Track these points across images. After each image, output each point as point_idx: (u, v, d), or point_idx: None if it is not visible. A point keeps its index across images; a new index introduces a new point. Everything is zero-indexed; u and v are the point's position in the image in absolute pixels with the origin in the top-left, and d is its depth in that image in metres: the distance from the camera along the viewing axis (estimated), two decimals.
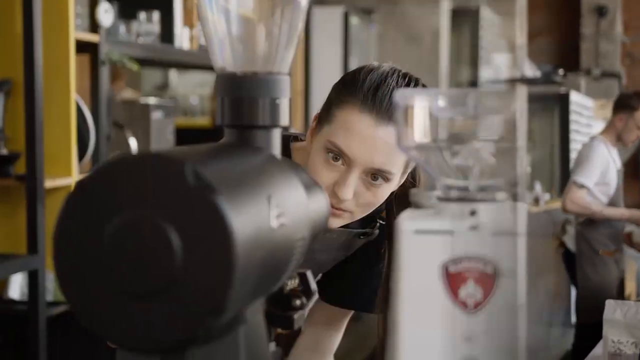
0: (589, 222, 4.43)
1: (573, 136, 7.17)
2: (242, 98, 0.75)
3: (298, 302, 0.84)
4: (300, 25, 0.79)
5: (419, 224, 0.67)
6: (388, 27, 5.71)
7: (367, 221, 1.45)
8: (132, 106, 3.28)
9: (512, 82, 5.79)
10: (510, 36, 5.91)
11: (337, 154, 1.25)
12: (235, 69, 0.76)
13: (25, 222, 2.47)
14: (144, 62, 3.43)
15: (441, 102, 0.69)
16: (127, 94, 4.29)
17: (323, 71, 5.14)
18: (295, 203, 0.73)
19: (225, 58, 0.77)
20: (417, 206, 0.75)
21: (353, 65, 4.91)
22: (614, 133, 4.43)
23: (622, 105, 4.42)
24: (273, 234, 0.66)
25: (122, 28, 3.02)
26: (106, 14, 2.75)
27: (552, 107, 7.08)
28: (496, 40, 8.19)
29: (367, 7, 5.80)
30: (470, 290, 0.66)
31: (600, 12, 8.70)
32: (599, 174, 4.34)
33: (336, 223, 1.30)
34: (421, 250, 0.67)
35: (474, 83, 7.51)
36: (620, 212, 4.51)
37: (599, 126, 8.51)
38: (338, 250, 1.46)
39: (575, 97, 7.22)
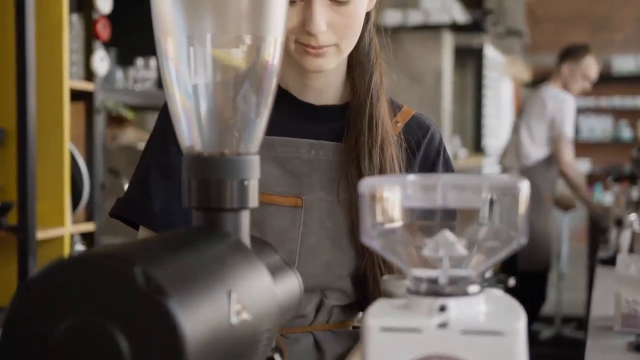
0: (536, 168, 4.47)
1: (484, 91, 7.23)
2: (209, 180, 0.73)
3: None
4: (270, 100, 0.77)
5: (386, 321, 0.64)
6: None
7: None
8: (130, 152, 3.27)
9: (441, 27, 5.74)
10: None
11: None
12: (203, 149, 0.74)
13: (17, 275, 2.44)
14: (141, 108, 3.43)
15: (409, 191, 0.67)
16: (131, 134, 4.28)
17: None
18: (260, 294, 0.70)
19: (192, 137, 0.74)
20: (388, 295, 0.72)
21: None
22: (561, 82, 4.54)
23: (569, 54, 4.55)
24: (233, 331, 0.63)
25: (119, 74, 3.02)
26: (102, 62, 2.74)
27: (465, 60, 7.12)
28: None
29: None
30: None
31: None
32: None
33: (326, 63, 1.21)
34: (388, 349, 0.64)
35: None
36: (592, 200, 4.67)
37: (507, 82, 8.61)
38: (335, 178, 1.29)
39: (489, 52, 7.26)
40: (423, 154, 1.33)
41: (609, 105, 9.90)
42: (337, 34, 1.18)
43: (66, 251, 2.64)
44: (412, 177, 0.67)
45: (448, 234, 0.67)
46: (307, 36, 1.17)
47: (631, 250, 2.61)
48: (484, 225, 0.67)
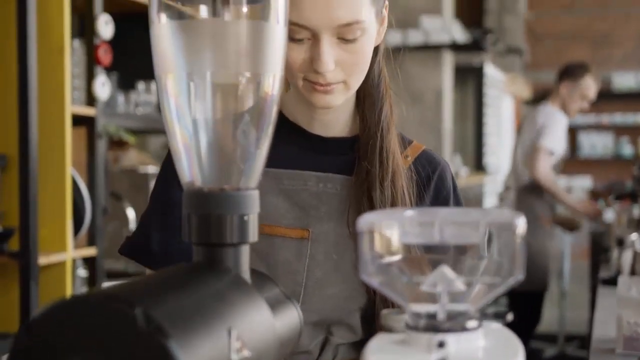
0: (531, 188, 4.44)
1: (485, 109, 7.24)
2: (209, 215, 0.73)
3: None
4: (270, 134, 0.77)
5: (384, 357, 0.65)
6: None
7: None
8: (132, 175, 3.28)
9: (441, 47, 5.74)
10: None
11: (296, 33, 1.14)
12: (203, 184, 0.75)
13: (19, 301, 2.45)
14: (142, 132, 3.44)
15: (407, 227, 0.67)
16: (133, 156, 4.30)
17: None
18: (260, 329, 0.70)
19: (192, 173, 0.75)
20: (388, 329, 0.73)
21: None
22: (559, 102, 4.52)
23: (567, 73, 4.51)
24: None
25: (120, 98, 3.03)
26: (103, 87, 2.76)
27: (466, 79, 7.12)
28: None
29: None
30: None
31: None
32: (560, 141, 4.43)
33: (334, 100, 1.20)
34: None
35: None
36: (575, 202, 4.59)
37: (507, 100, 8.64)
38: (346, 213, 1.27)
39: (489, 70, 7.28)
40: (434, 190, 1.32)
41: (609, 122, 9.94)
42: (344, 71, 1.17)
43: (68, 276, 2.65)
44: (409, 213, 0.68)
45: (446, 270, 0.67)
46: (315, 74, 1.16)
47: (633, 270, 2.61)
48: (482, 260, 0.68)
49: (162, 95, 0.75)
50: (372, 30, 1.19)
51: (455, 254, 0.68)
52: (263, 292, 0.76)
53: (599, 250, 4.26)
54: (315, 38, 1.15)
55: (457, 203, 1.34)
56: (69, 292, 2.64)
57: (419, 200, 1.29)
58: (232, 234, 0.73)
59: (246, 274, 0.75)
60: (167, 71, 0.74)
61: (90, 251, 2.83)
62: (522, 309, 4.31)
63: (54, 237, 2.59)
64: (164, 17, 0.74)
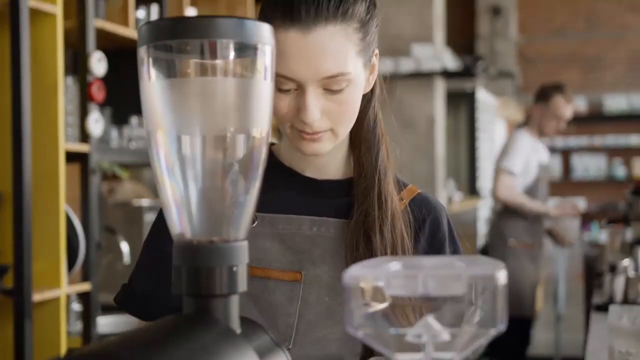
0: (505, 212, 4.45)
1: (477, 134, 7.28)
2: (199, 267, 0.75)
3: None
4: (258, 187, 0.79)
5: None
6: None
7: None
8: (126, 208, 3.29)
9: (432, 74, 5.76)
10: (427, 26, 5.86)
11: (283, 84, 1.16)
12: (193, 236, 0.76)
13: (13, 338, 2.44)
14: (137, 165, 3.45)
15: (391, 280, 0.69)
16: (128, 187, 4.30)
17: None
18: None
19: (182, 225, 0.77)
20: None
21: None
22: (536, 125, 4.55)
23: (539, 96, 4.56)
24: None
25: (114, 133, 3.05)
26: (96, 124, 2.78)
27: (458, 104, 7.16)
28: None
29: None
30: None
31: (495, 11, 8.99)
32: (523, 162, 4.44)
33: (322, 148, 1.22)
34: None
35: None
36: (545, 207, 4.59)
37: (500, 124, 8.69)
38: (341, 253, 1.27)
39: (481, 95, 7.33)
40: (429, 234, 1.32)
41: (602, 144, 9.98)
42: (331, 121, 1.19)
43: (62, 312, 2.64)
44: (394, 266, 0.70)
45: (431, 320, 0.69)
46: (300, 124, 1.18)
47: (625, 296, 2.63)
48: (466, 310, 0.69)
49: (152, 150, 0.76)
50: (360, 80, 1.21)
51: (440, 304, 0.70)
52: (252, 341, 0.77)
53: (593, 273, 4.28)
54: (301, 89, 1.17)
55: (454, 247, 1.34)
56: (63, 328, 2.64)
57: (416, 243, 1.30)
58: (222, 285, 0.75)
59: (235, 324, 0.76)
60: (157, 127, 0.76)
61: (85, 286, 2.83)
62: (508, 333, 4.28)
63: (48, 274, 2.59)
64: (153, 75, 0.76)
